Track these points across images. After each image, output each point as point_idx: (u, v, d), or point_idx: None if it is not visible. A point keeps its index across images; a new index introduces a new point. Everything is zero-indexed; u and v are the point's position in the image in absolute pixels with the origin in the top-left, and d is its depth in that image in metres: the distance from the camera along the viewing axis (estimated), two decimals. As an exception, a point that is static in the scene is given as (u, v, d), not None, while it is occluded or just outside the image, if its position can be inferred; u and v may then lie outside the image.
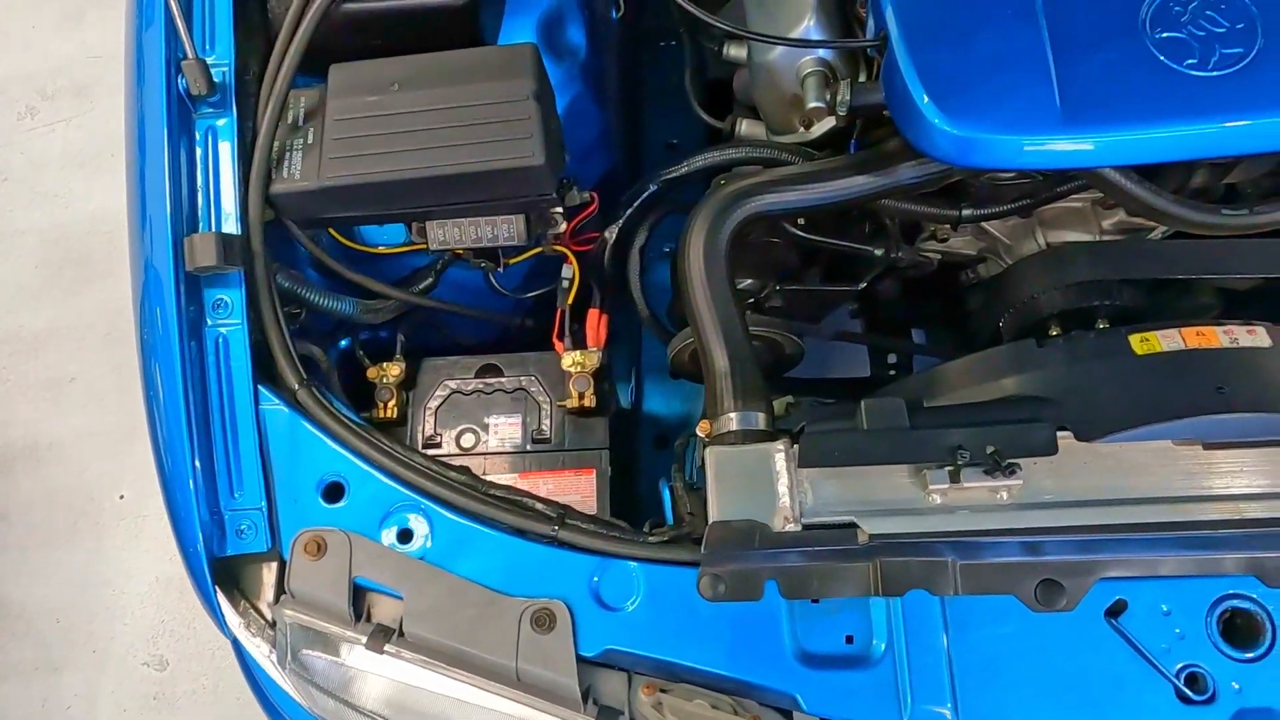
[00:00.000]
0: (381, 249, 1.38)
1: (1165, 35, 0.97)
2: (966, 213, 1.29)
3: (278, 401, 1.12)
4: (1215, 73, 0.95)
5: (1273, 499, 0.95)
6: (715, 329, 1.11)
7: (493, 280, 1.46)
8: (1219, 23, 0.97)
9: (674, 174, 1.37)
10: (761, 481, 1.00)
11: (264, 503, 1.09)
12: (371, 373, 1.37)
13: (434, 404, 1.40)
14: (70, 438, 2.49)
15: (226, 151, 1.16)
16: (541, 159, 1.13)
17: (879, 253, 1.33)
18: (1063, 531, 0.95)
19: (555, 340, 1.37)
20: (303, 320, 1.29)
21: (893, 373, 1.78)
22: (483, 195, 1.20)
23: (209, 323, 1.12)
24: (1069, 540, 0.95)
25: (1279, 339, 1.00)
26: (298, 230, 1.24)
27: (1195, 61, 0.96)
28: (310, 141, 1.17)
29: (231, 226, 1.14)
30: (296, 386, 1.14)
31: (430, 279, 1.40)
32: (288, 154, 1.17)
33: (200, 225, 1.13)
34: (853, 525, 0.96)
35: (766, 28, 1.27)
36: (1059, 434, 0.98)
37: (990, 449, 0.96)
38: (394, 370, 1.37)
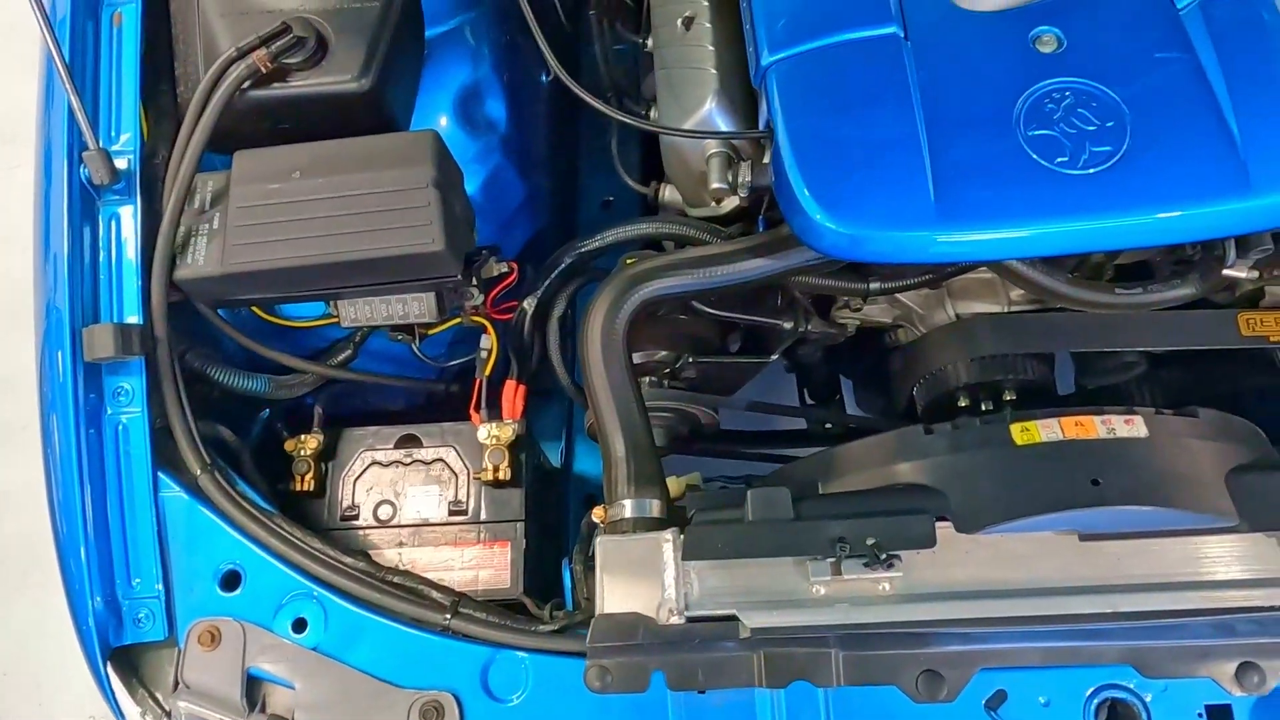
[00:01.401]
0: (299, 322, 1.39)
1: (1038, 132, 0.99)
2: (874, 286, 1.31)
3: (177, 488, 1.13)
4: (1084, 171, 0.97)
5: (1146, 591, 0.96)
6: (613, 416, 1.13)
7: (415, 350, 1.47)
8: (1090, 120, 0.99)
9: (588, 247, 1.38)
10: (649, 572, 1.01)
11: (162, 591, 1.09)
12: (289, 445, 1.38)
13: (353, 475, 1.40)
14: (21, 487, 2.47)
15: (131, 239, 1.17)
16: (441, 245, 1.15)
17: (788, 326, 1.34)
18: (944, 624, 0.96)
19: (472, 412, 1.38)
20: (216, 396, 1.30)
21: (827, 426, 1.80)
22: (386, 278, 1.21)
23: (109, 411, 1.13)
24: (950, 631, 0.96)
25: (1156, 428, 1.01)
26: (207, 310, 1.25)
27: (1066, 159, 0.98)
28: (216, 227, 1.18)
29: (135, 313, 1.15)
30: (198, 472, 1.14)
31: (349, 351, 1.41)
32: (193, 239, 1.18)
33: (102, 313, 1.15)
34: (734, 619, 0.97)
35: (672, 106, 1.29)
36: (940, 525, 1.00)
37: (871, 541, 0.97)
38: (312, 443, 1.37)
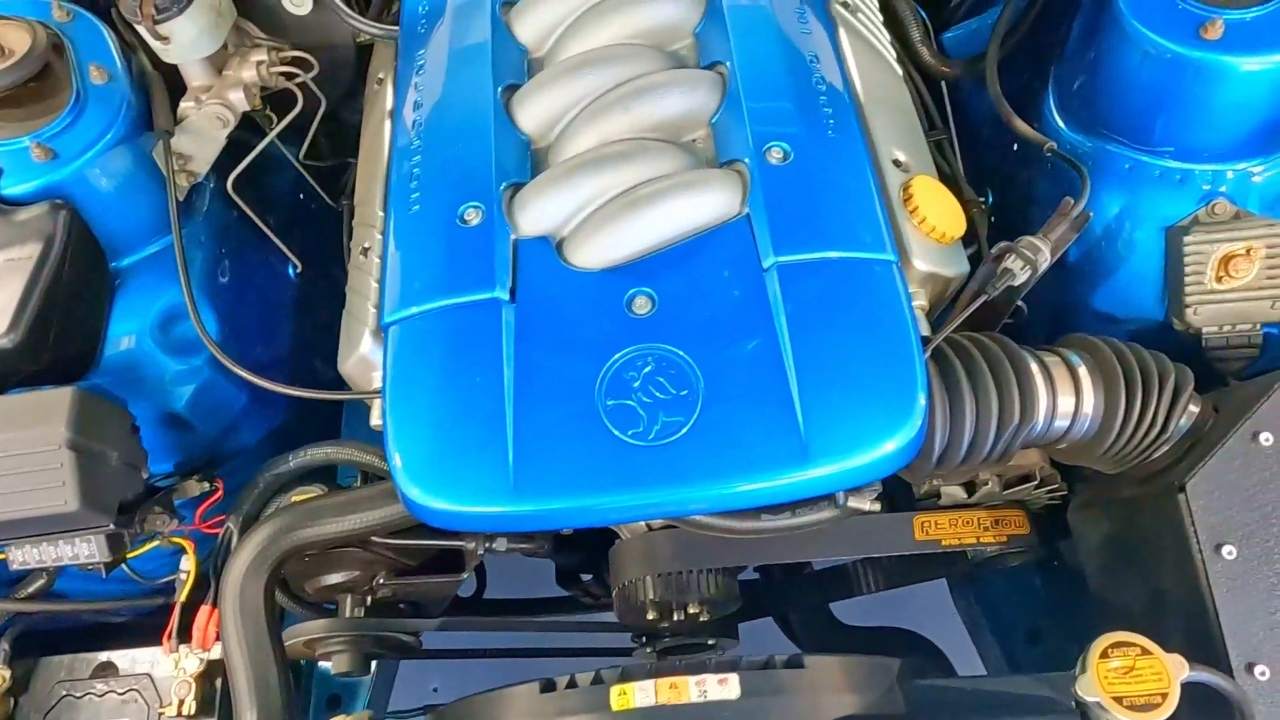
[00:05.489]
0: (-18, 557, 1.37)
1: (617, 401, 1.01)
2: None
3: None
4: (654, 443, 0.99)
5: None
6: (244, 680, 1.13)
7: (129, 571, 1.45)
8: (666, 389, 1.01)
9: (278, 469, 1.38)
10: None
11: None
12: (-27, 685, 1.35)
13: (44, 710, 1.37)
14: None
15: None
16: (75, 505, 1.15)
17: (471, 546, 1.35)
18: None
19: (163, 640, 1.36)
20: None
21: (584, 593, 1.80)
22: (35, 532, 1.20)
23: None
24: None
25: (750, 687, 1.01)
26: None
27: (639, 430, 1.00)
28: None
29: None
30: None
31: (43, 579, 1.39)
32: None
33: None
34: None
35: (344, 334, 1.31)
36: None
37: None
38: (-3, 680, 1.35)
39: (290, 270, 1.77)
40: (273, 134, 1.54)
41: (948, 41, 1.83)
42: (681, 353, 1.03)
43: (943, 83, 1.75)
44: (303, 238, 1.80)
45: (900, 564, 1.55)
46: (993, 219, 1.66)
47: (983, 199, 1.67)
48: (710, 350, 1.03)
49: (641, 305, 1.07)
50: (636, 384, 1.02)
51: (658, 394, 1.01)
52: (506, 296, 1.08)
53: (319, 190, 1.89)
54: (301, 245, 1.79)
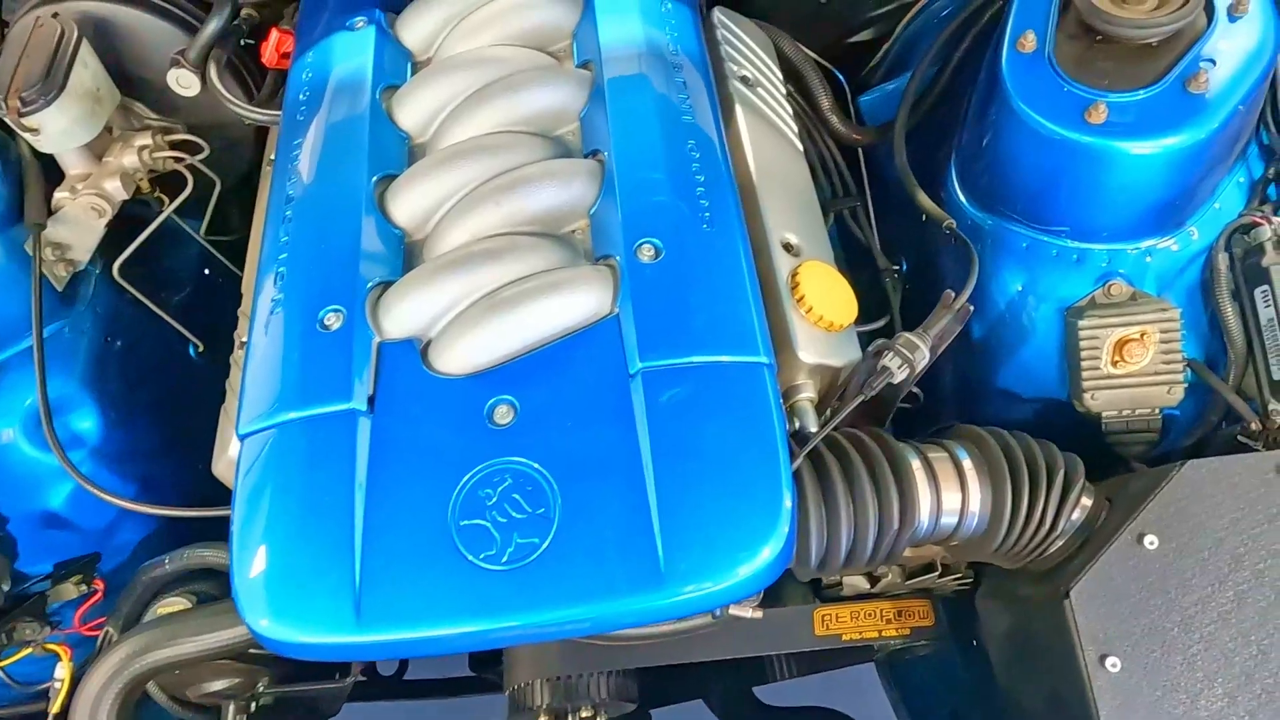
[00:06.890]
0: None
1: (469, 523, 0.96)
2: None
3: None
4: (506, 566, 0.94)
5: None
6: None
7: (3, 675, 1.39)
8: (522, 508, 0.96)
9: (156, 572, 1.33)
10: None
11: None
12: None
13: (-92, 832, 1.31)
14: None
15: None
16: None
17: (356, 651, 1.30)
18: None
19: (33, 757, 1.31)
20: None
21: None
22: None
23: None
24: None
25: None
26: None
27: (492, 553, 0.95)
28: None
29: None
30: None
31: (-93, 693, 1.34)
32: None
33: None
34: None
35: (219, 437, 1.27)
36: None
37: None
38: None
39: (191, 350, 1.72)
40: (160, 220, 1.50)
41: (865, 104, 1.81)
42: (539, 467, 0.98)
43: (859, 149, 1.73)
44: (209, 314, 1.76)
45: (812, 653, 1.51)
46: (907, 286, 1.64)
47: (897, 266, 1.64)
48: (569, 464, 0.98)
49: (503, 415, 1.02)
50: (492, 502, 0.97)
51: (513, 513, 0.96)
52: (364, 407, 1.03)
53: (226, 264, 1.85)
54: (207, 321, 1.74)
